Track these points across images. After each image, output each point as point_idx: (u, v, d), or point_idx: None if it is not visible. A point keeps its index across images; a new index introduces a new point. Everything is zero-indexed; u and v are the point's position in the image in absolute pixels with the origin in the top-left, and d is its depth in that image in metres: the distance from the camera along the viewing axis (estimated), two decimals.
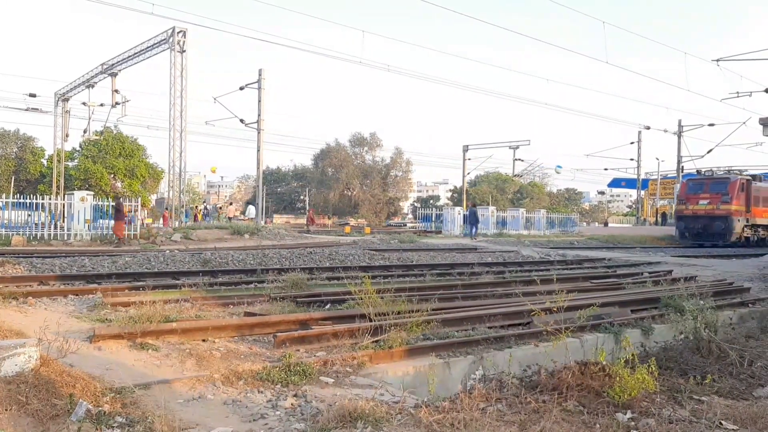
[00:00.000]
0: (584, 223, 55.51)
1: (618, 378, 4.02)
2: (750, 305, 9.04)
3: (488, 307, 7.32)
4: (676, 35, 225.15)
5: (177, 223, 22.60)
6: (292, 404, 3.98)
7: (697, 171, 29.00)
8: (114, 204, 18.64)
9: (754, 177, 28.86)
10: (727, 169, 29.91)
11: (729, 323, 7.39)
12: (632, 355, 4.41)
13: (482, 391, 4.08)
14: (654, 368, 4.24)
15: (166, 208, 20.91)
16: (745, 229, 26.39)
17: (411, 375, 5.03)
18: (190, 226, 22.96)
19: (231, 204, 40.81)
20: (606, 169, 51.07)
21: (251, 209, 33.58)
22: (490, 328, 6.35)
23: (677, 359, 5.69)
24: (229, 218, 32.44)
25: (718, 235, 25.75)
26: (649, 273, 12.32)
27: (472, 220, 28.39)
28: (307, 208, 41.51)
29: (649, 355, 5.46)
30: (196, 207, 26.24)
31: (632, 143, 39.52)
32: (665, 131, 36.70)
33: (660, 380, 4.47)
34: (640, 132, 38.64)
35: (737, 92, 25.33)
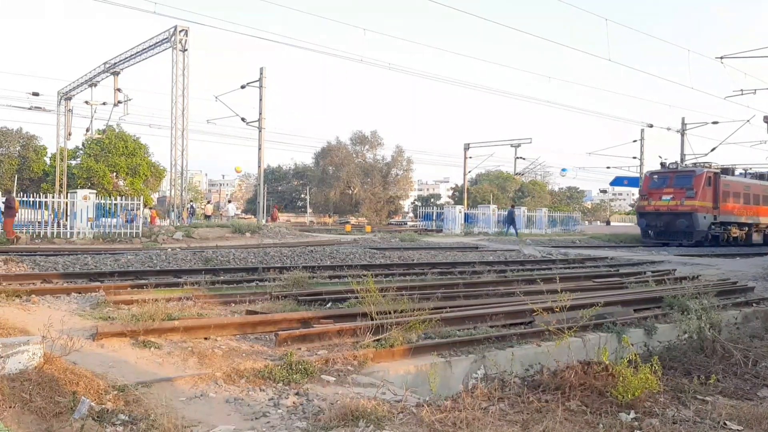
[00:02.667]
0: (586, 222, 55.44)
1: (621, 378, 4.00)
2: (754, 305, 9.00)
3: (490, 306, 7.31)
4: (679, 32, 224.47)
5: (169, 222, 22.59)
6: (293, 402, 3.98)
7: (661, 164, 26.51)
8: (4, 200, 17.29)
9: (725, 170, 26.46)
10: (704, 163, 26.97)
11: (733, 323, 7.36)
12: (635, 354, 4.40)
13: (484, 390, 4.07)
14: (657, 368, 4.22)
15: (151, 208, 20.87)
16: (713, 226, 24.25)
17: (413, 374, 5.02)
18: (193, 224, 22.99)
19: (209, 202, 40.89)
20: (608, 168, 50.93)
21: (230, 207, 34.00)
22: (491, 327, 6.34)
23: (681, 359, 5.66)
24: (207, 216, 32.34)
25: (682, 233, 23.73)
26: (652, 272, 12.28)
27: (509, 220, 29.38)
28: (273, 206, 42.25)
29: (652, 354, 5.43)
30: (185, 207, 26.20)
31: (635, 141, 39.37)
32: (668, 129, 36.53)
33: (664, 380, 4.45)
34: (643, 130, 38.49)
35: (741, 90, 24.77)
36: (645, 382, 4.00)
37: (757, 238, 27.26)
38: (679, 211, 23.75)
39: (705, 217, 23.74)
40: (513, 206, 33.87)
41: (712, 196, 24.15)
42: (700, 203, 23.53)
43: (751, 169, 32.81)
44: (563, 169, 50.15)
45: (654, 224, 24.82)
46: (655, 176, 25.64)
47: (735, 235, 25.62)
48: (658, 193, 24.87)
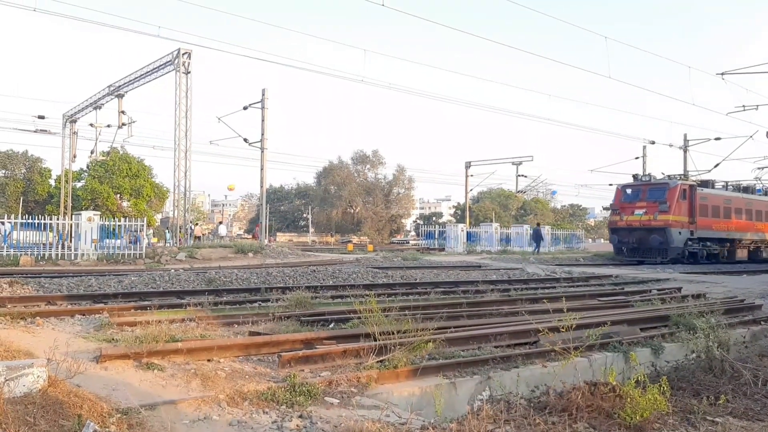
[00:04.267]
0: (589, 240, 55.22)
1: (629, 399, 3.96)
2: (762, 323, 8.91)
3: (494, 325, 7.26)
4: (679, 49, 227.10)
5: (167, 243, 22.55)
6: (297, 425, 3.94)
7: (634, 176, 24.76)
8: None
9: (704, 183, 25.07)
10: (680, 175, 25.18)
11: (741, 341, 7.28)
12: (643, 375, 4.35)
13: (490, 412, 4.02)
14: (666, 388, 4.18)
15: (136, 231, 20.92)
16: (690, 242, 22.68)
17: (417, 395, 4.97)
18: (195, 245, 23.02)
19: (197, 224, 41.16)
20: (611, 185, 50.80)
21: (221, 228, 34.34)
22: (496, 347, 6.28)
23: (689, 379, 5.59)
24: (197, 237, 32.46)
25: (656, 250, 22.17)
26: (658, 290, 12.19)
27: (536, 238, 29.44)
28: (256, 224, 43.04)
29: (660, 374, 5.37)
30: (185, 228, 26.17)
31: (637, 158, 39.45)
32: (670, 146, 36.63)
33: (672, 401, 4.39)
34: (644, 147, 38.61)
35: (743, 106, 24.20)
36: (653, 403, 3.95)
37: (741, 254, 25.59)
38: (653, 226, 22.26)
39: (680, 233, 22.26)
40: (539, 224, 34.25)
41: (687, 209, 22.68)
42: (675, 218, 22.08)
43: (755, 185, 32.66)
44: (553, 192, 50.22)
45: (626, 241, 23.21)
46: (628, 189, 24.12)
47: (716, 252, 24.13)
48: (630, 208, 23.41)
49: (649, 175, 24.40)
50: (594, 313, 8.65)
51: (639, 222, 22.80)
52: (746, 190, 28.14)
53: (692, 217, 22.79)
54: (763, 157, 34.49)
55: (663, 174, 25.53)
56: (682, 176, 24.78)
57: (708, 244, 23.66)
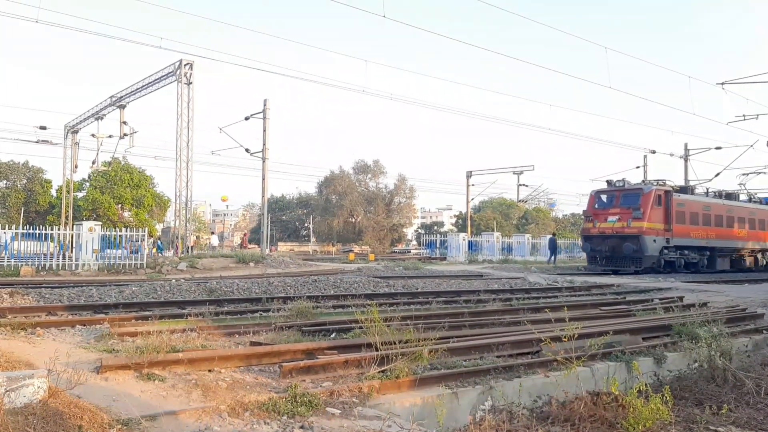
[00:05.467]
0: None
1: (632, 408, 3.94)
2: (765, 332, 8.87)
3: (496, 335, 7.24)
4: (679, 59, 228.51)
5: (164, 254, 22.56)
6: None
7: (608, 181, 23.64)
8: None
9: (683, 188, 24.04)
10: (658, 180, 23.66)
11: (744, 350, 7.25)
12: (645, 384, 4.33)
13: (492, 422, 4.00)
14: (668, 398, 4.16)
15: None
16: (665, 251, 21.60)
17: (419, 406, 4.94)
18: (196, 254, 23.02)
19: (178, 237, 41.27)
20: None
21: (213, 238, 34.45)
22: (498, 357, 6.26)
23: (692, 388, 5.56)
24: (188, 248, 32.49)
25: (630, 258, 21.12)
26: (660, 299, 12.16)
27: (552, 247, 29.59)
28: (243, 234, 43.32)
29: (662, 384, 5.35)
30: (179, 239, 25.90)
31: (638, 167, 39.54)
32: (671, 155, 36.74)
33: (675, 410, 4.38)
34: (645, 156, 38.73)
35: (743, 115, 24.25)
36: (656, 412, 3.94)
37: (722, 264, 24.48)
38: (626, 233, 21.18)
39: (655, 240, 21.13)
40: (554, 234, 34.46)
41: (663, 216, 21.63)
42: (649, 225, 21.02)
43: (756, 194, 32.53)
44: (551, 204, 50.20)
45: (599, 249, 22.15)
46: (602, 195, 23.06)
47: (695, 261, 23.11)
48: (603, 214, 22.39)
49: (623, 180, 23.22)
50: (596, 322, 8.62)
51: (612, 229, 21.84)
52: (729, 196, 26.76)
53: (668, 224, 21.75)
54: (765, 166, 34.39)
55: (645, 181, 24.27)
56: (659, 182, 23.14)
57: (686, 252, 22.70)
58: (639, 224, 20.93)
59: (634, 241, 20.89)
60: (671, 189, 22.57)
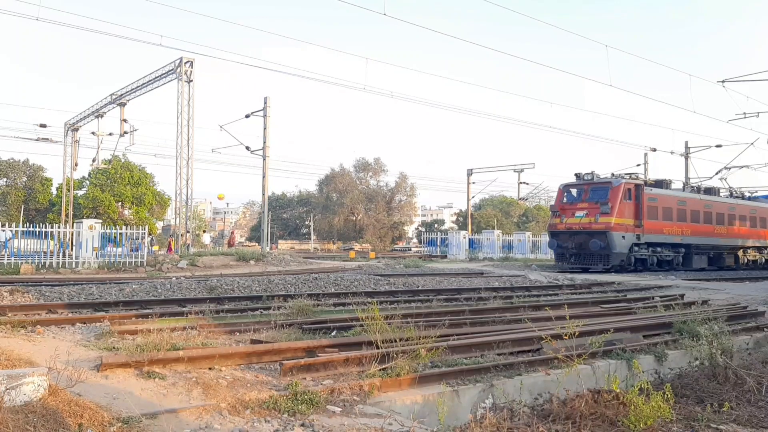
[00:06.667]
0: None
1: (633, 406, 3.93)
2: (765, 329, 8.87)
3: (497, 333, 7.23)
4: (680, 57, 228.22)
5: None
6: None
7: (576, 174, 22.23)
8: None
9: (659, 182, 22.81)
10: (631, 174, 22.49)
11: (745, 348, 7.25)
12: (646, 382, 4.33)
13: (493, 420, 3.99)
14: (670, 396, 4.15)
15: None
16: (636, 248, 20.59)
17: (420, 404, 4.94)
18: (197, 252, 23.03)
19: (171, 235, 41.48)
20: None
21: (205, 237, 34.56)
22: (499, 354, 6.25)
23: (693, 386, 5.56)
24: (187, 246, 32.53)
25: (597, 256, 20.09)
26: (660, 297, 12.15)
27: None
28: (230, 231, 43.43)
29: (663, 382, 5.35)
30: (171, 237, 25.71)
31: (638, 165, 39.49)
32: (672, 153, 36.71)
33: (676, 408, 4.37)
34: (646, 154, 38.67)
35: (744, 113, 24.07)
36: (657, 410, 3.93)
37: (699, 262, 23.35)
38: (593, 229, 20.10)
39: (624, 237, 20.06)
40: None
41: (633, 211, 20.53)
42: (617, 220, 19.93)
43: (756, 192, 32.27)
44: (551, 205, 50.08)
45: (566, 245, 21.10)
46: (572, 189, 21.89)
47: (669, 259, 22.08)
48: (571, 209, 21.27)
49: (591, 173, 21.67)
50: (597, 320, 8.61)
51: (579, 225, 20.70)
52: (708, 191, 25.69)
53: (639, 220, 20.62)
54: (765, 164, 34.16)
55: (615, 174, 22.25)
56: (632, 175, 21.91)
57: (658, 249, 21.62)
58: (607, 220, 19.92)
59: (602, 238, 19.89)
60: (643, 183, 21.57)
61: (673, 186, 24.18)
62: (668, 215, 21.98)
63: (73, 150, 32.28)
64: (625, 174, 21.97)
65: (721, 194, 27.27)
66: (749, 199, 29.36)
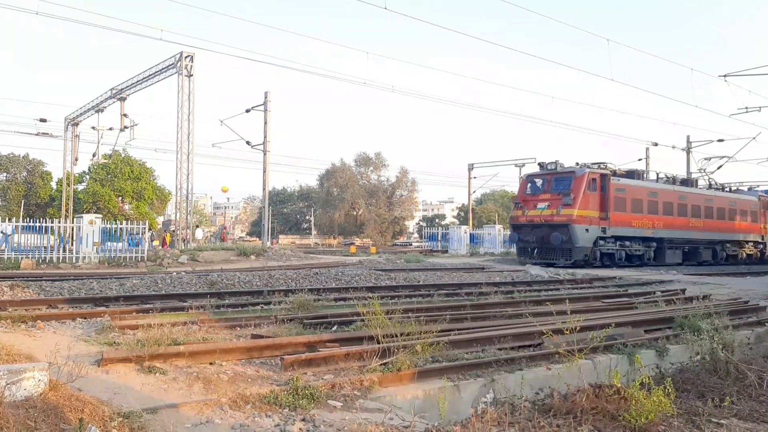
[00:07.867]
0: None
1: (634, 401, 3.93)
2: (767, 324, 8.86)
3: (498, 328, 7.22)
4: (682, 51, 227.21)
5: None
6: (300, 429, 3.91)
7: (540, 164, 21.12)
8: None
9: (631, 173, 21.63)
10: (600, 163, 21.09)
11: (746, 343, 7.24)
12: (647, 377, 4.32)
13: (494, 415, 3.99)
14: (671, 390, 4.14)
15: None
16: (601, 242, 19.34)
17: (420, 398, 4.94)
18: (197, 247, 23.04)
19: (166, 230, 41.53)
20: None
21: (198, 232, 34.68)
22: (500, 349, 6.25)
23: (694, 381, 5.56)
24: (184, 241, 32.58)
25: (559, 250, 18.90)
26: (662, 292, 12.14)
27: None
28: (223, 227, 43.47)
29: (664, 376, 5.34)
30: (166, 232, 25.54)
31: (640, 160, 39.40)
32: (673, 147, 36.63)
33: (677, 403, 4.36)
34: (647, 148, 38.57)
35: (746, 107, 23.91)
36: (658, 405, 3.92)
37: (673, 256, 22.04)
38: (555, 222, 18.92)
39: (588, 230, 18.80)
40: None
41: (598, 203, 19.24)
42: (581, 212, 18.67)
43: (758, 186, 32.10)
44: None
45: (528, 239, 19.95)
46: (536, 179, 20.68)
47: (639, 253, 20.81)
48: (533, 201, 20.06)
49: (555, 162, 20.33)
50: (598, 315, 8.61)
51: (541, 217, 19.53)
52: (684, 182, 24.43)
53: (604, 212, 19.36)
54: (767, 158, 33.94)
55: (579, 163, 20.87)
56: (600, 164, 20.57)
57: (627, 243, 20.32)
58: (569, 212, 18.69)
59: (563, 231, 18.69)
60: (610, 173, 20.24)
61: (650, 177, 23.12)
62: (638, 207, 20.72)
63: (73, 145, 32.24)
64: (593, 163, 20.79)
65: (700, 186, 26.09)
66: (732, 191, 28.19)
